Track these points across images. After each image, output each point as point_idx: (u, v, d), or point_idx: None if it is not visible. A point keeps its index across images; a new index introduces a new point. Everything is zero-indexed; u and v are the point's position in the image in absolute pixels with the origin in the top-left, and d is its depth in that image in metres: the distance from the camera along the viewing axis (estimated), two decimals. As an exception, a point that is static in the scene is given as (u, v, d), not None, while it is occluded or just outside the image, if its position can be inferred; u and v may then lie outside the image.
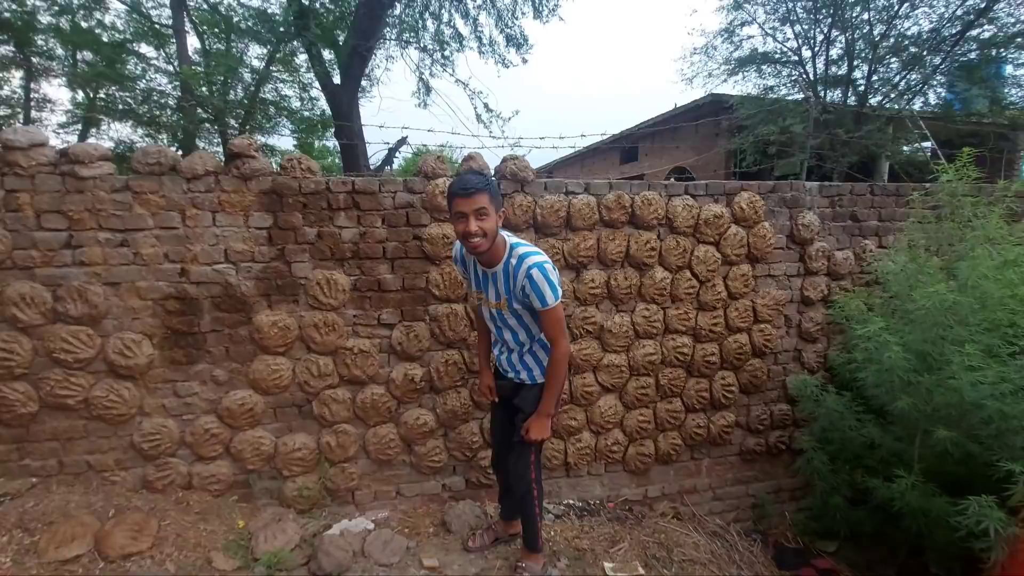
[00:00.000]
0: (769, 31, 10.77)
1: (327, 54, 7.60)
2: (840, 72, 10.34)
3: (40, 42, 9.51)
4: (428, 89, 8.44)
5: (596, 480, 3.17)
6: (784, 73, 11.41)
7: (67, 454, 2.47)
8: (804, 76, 10.36)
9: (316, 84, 8.08)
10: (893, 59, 9.87)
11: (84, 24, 9.61)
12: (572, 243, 2.84)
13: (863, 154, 9.53)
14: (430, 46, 7.79)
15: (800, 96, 10.90)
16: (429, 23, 7.92)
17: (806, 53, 10.43)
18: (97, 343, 2.40)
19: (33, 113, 10.21)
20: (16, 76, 10.03)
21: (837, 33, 9.98)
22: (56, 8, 9.43)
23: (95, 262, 2.36)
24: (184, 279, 2.47)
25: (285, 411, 2.67)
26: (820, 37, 10.17)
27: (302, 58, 9.18)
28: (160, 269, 2.44)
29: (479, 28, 8.39)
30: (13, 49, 9.33)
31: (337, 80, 6.86)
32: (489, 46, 8.45)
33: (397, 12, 7.15)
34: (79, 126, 10.52)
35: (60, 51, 9.92)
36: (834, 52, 10.29)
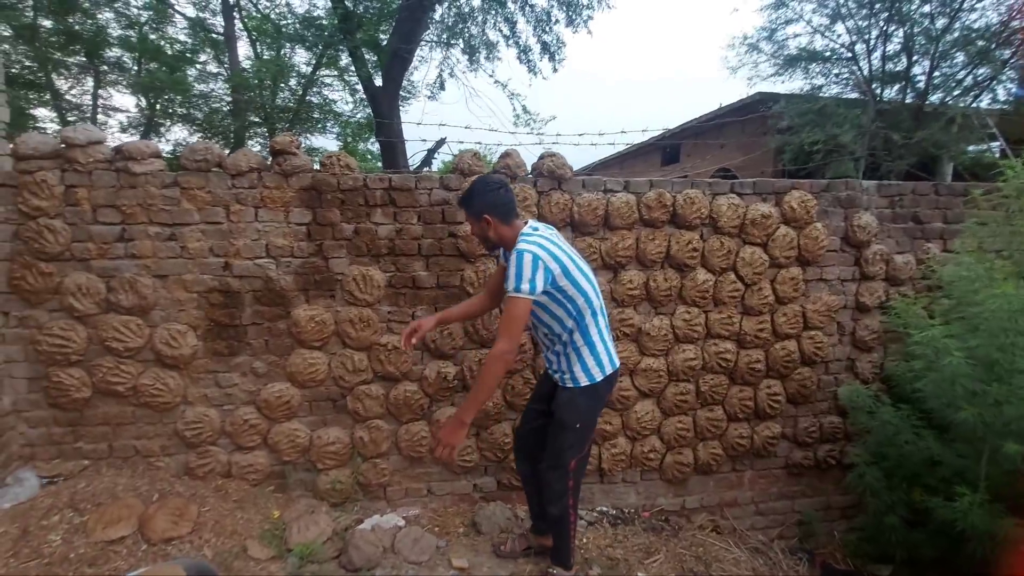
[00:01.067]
0: (818, 28, 10.33)
1: (369, 57, 7.79)
2: (898, 68, 9.80)
3: (109, 53, 10.15)
4: (443, 86, 8.47)
5: (631, 488, 3.07)
6: (834, 72, 10.91)
7: (116, 439, 2.57)
8: (859, 73, 9.86)
9: (359, 86, 8.27)
10: (957, 53, 9.28)
11: (150, 36, 10.22)
12: (610, 242, 2.76)
13: (924, 155, 8.98)
14: (466, 49, 7.84)
15: (852, 95, 10.41)
16: (470, 28, 7.99)
17: (859, 49, 9.96)
18: (146, 333, 2.50)
19: (100, 117, 10.90)
20: (87, 83, 10.74)
21: (894, 27, 9.47)
22: (125, 22, 10.06)
23: (145, 255, 2.46)
24: (227, 273, 2.53)
25: (320, 405, 2.70)
26: (875, 32, 9.70)
27: (345, 62, 9.45)
28: (205, 263, 2.51)
29: (517, 34, 8.39)
30: (84, 59, 9.99)
31: (378, 82, 6.99)
32: (524, 53, 8.44)
33: (438, 15, 7.24)
34: (141, 130, 11.13)
35: (127, 60, 10.55)
36: (890, 48, 9.76)
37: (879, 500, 2.68)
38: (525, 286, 1.81)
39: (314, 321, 2.58)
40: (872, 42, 9.60)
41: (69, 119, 10.36)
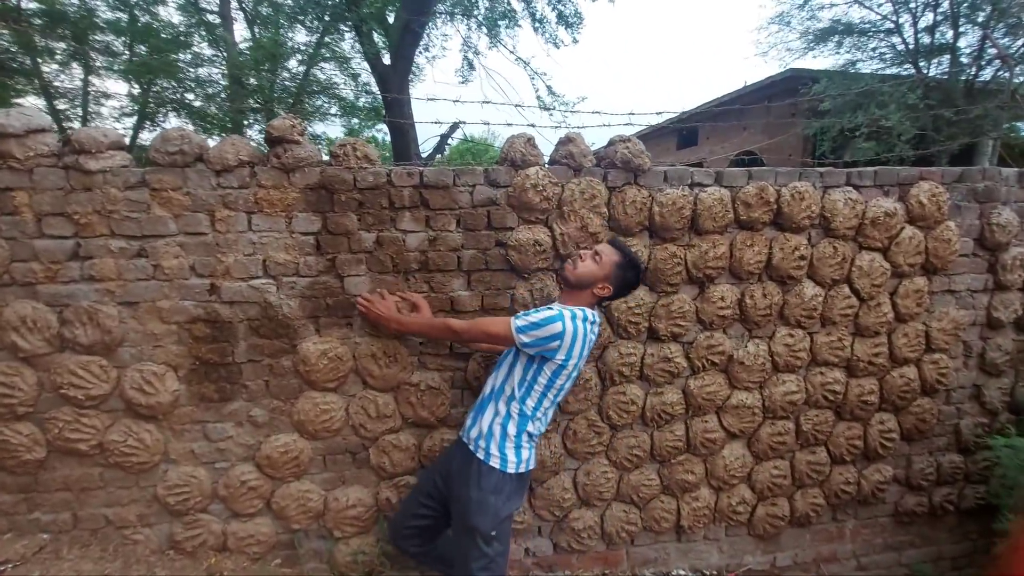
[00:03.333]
0: (855, -3, 9.53)
1: (378, 37, 7.15)
2: (944, 41, 9.04)
3: (98, 37, 9.49)
4: (471, 66, 7.93)
5: (713, 546, 2.53)
6: (871, 46, 10.14)
7: (82, 507, 2.04)
8: (904, 45, 9.09)
9: (365, 67, 7.63)
10: (1005, 24, 8.51)
11: (141, 18, 9.55)
12: (698, 250, 2.18)
13: (976, 133, 8.26)
14: (482, 21, 7.20)
15: (891, 71, 9.66)
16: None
17: (902, 21, 9.17)
18: (112, 376, 1.95)
19: (91, 107, 10.27)
20: (76, 70, 10.09)
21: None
22: (114, 2, 9.38)
23: (107, 277, 1.90)
24: (214, 297, 1.97)
25: (336, 459, 2.16)
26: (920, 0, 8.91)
27: (351, 43, 8.78)
28: (185, 285, 1.95)
29: (532, 4, 7.74)
30: (73, 44, 9.34)
31: (387, 61, 6.34)
32: (540, 23, 7.81)
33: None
34: (134, 119, 10.51)
35: (117, 45, 9.89)
36: (931, 18, 8.97)
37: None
38: (524, 336, 1.64)
39: (327, 356, 2.03)
40: (917, 11, 8.84)
41: (59, 107, 9.76)
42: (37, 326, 1.87)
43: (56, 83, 9.94)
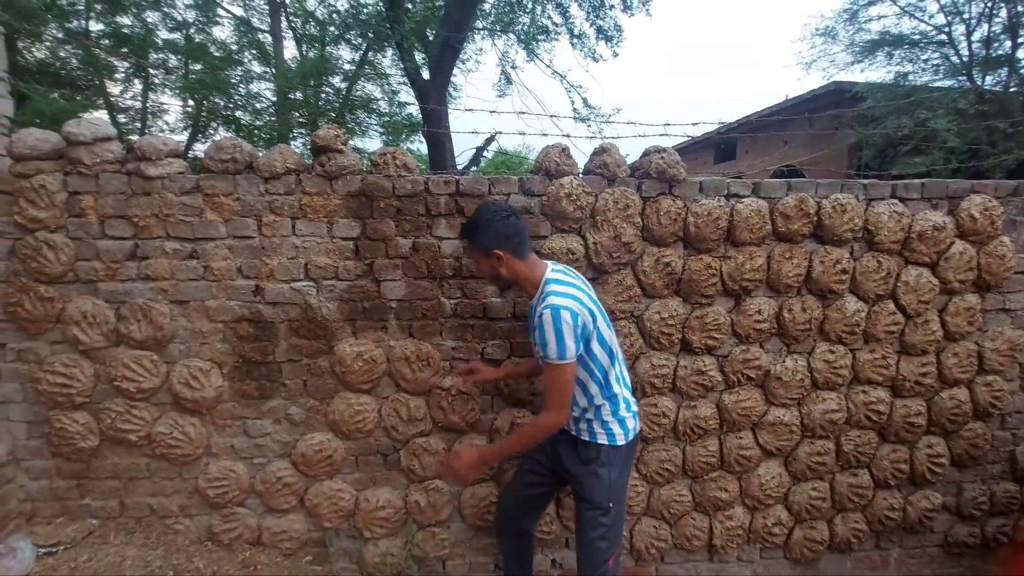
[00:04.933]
0: (907, 8, 9.27)
1: (418, 54, 7.38)
2: (1002, 53, 8.66)
3: (157, 56, 10.11)
4: (508, 80, 8.06)
5: (747, 567, 2.45)
6: (923, 58, 9.80)
7: (128, 495, 2.14)
8: (958, 57, 8.74)
9: (406, 82, 7.86)
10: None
11: (196, 38, 10.14)
12: (734, 262, 2.15)
13: (1034, 149, 7.84)
14: (521, 36, 7.33)
15: (945, 83, 9.31)
16: (521, 16, 7.48)
17: (955, 32, 8.84)
18: (162, 371, 2.05)
19: (149, 121, 10.91)
20: (137, 87, 10.75)
21: (998, 4, 8.33)
22: (172, 24, 10.00)
23: (162, 276, 2.01)
24: (259, 298, 2.06)
25: (368, 460, 2.20)
26: (976, 11, 8.58)
27: (391, 59, 9.08)
28: (232, 286, 2.05)
29: (570, 19, 7.84)
30: (135, 60, 9.97)
31: (426, 75, 6.52)
32: (578, 39, 7.89)
33: (489, 2, 6.72)
34: (188, 132, 11.09)
35: (174, 61, 10.51)
36: (981, 32, 8.60)
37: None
38: (569, 353, 1.56)
39: (362, 359, 2.08)
40: (972, 22, 8.51)
41: (120, 120, 10.39)
42: (96, 321, 2.00)
43: (117, 99, 10.61)
